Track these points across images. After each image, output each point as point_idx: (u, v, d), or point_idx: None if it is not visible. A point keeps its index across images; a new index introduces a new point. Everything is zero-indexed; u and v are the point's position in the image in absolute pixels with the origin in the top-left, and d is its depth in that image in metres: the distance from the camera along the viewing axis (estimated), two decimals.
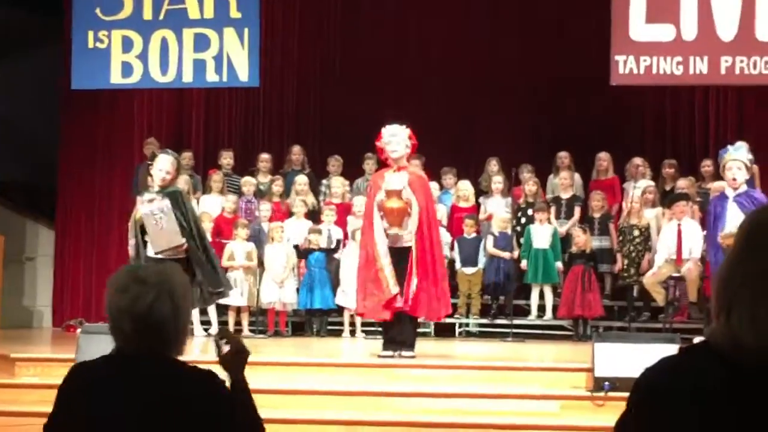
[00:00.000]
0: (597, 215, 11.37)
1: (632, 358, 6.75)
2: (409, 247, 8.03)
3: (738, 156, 7.59)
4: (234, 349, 2.78)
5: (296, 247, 11.07)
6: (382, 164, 8.79)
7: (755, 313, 1.62)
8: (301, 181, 11.77)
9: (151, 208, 8.06)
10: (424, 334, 11.13)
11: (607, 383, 6.87)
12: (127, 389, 2.48)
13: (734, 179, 7.51)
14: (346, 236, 11.25)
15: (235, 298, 10.42)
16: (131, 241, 8.37)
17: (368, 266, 8.12)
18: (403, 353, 8.00)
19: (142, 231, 8.08)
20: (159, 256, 8.01)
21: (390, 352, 8.04)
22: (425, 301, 8.03)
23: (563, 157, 12.00)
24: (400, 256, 8.04)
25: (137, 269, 2.63)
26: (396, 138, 8.12)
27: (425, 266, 8.02)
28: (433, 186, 11.55)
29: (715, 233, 8.21)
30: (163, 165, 8.27)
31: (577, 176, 11.96)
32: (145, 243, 8.09)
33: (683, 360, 1.73)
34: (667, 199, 10.90)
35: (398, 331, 8.12)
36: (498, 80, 12.84)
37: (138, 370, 2.52)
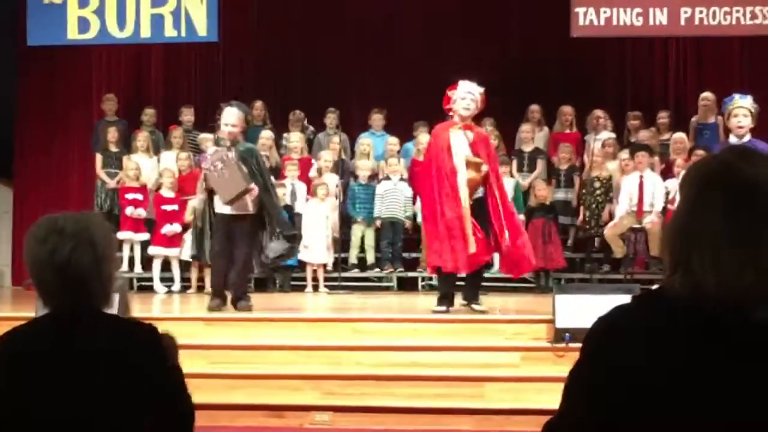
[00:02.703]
0: (563, 167, 11.42)
1: (592, 309, 6.78)
2: (479, 199, 8.01)
3: (744, 103, 7.64)
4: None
5: None
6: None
7: (717, 258, 1.65)
8: (266, 136, 11.66)
9: (211, 162, 8.04)
10: (387, 288, 11.21)
11: (567, 334, 6.95)
12: (62, 350, 2.39)
13: (740, 126, 7.58)
14: (309, 191, 11.22)
15: (187, 251, 10.33)
16: (199, 196, 8.45)
17: (447, 222, 7.90)
18: (474, 306, 8.08)
19: (211, 193, 8.14)
20: (229, 211, 8.04)
21: (444, 307, 8.04)
22: (515, 256, 8.05)
23: (534, 110, 12.01)
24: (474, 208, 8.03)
25: (57, 219, 2.53)
26: (471, 95, 8.10)
27: (503, 222, 7.97)
28: (393, 141, 11.57)
29: None
30: (227, 119, 8.18)
31: (545, 130, 12.01)
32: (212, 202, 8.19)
33: (636, 306, 1.76)
34: (629, 149, 10.96)
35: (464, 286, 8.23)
36: (461, 33, 12.77)
37: (72, 328, 2.43)
